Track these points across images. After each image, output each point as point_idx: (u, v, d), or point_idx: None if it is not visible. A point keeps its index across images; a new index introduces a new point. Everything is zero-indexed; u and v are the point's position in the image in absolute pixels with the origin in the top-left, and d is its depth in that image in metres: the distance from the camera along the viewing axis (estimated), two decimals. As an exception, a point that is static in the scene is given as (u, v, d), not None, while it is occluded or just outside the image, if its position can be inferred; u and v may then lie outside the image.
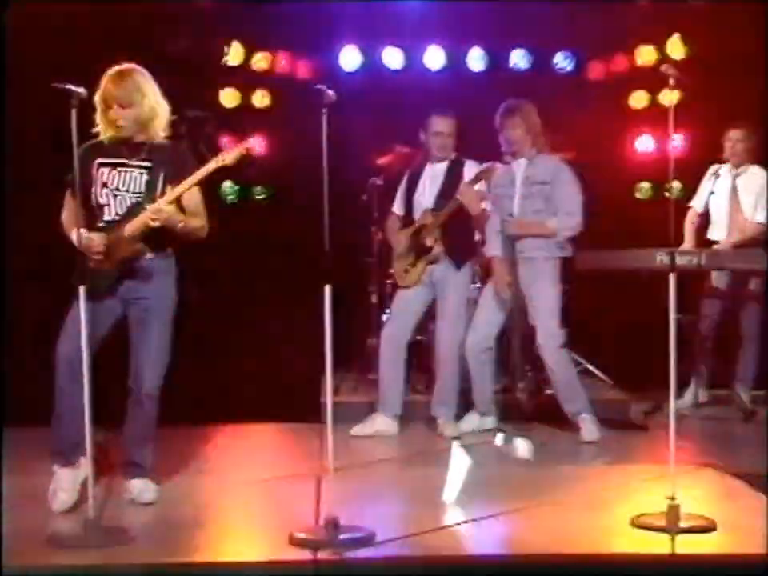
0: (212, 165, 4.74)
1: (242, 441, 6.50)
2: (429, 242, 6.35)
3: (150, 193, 4.78)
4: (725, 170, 7.09)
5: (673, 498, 4.29)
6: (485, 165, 6.36)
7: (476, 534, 4.46)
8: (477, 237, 6.70)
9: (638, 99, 8.73)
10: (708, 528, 4.27)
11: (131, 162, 4.80)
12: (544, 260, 6.23)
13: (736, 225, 6.93)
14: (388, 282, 6.76)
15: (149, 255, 4.79)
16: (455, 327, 6.40)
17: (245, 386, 7.04)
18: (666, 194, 7.64)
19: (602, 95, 8.54)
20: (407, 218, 6.59)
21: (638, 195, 8.77)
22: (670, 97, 4.64)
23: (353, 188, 7.51)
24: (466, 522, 4.55)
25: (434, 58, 8.58)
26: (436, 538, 4.28)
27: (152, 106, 4.79)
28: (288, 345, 7.25)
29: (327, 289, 4.31)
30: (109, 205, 4.80)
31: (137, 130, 4.78)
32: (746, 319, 7.00)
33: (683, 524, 4.24)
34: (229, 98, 8.59)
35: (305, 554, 4.02)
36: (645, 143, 8.79)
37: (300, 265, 6.57)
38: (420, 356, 7.03)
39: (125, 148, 4.81)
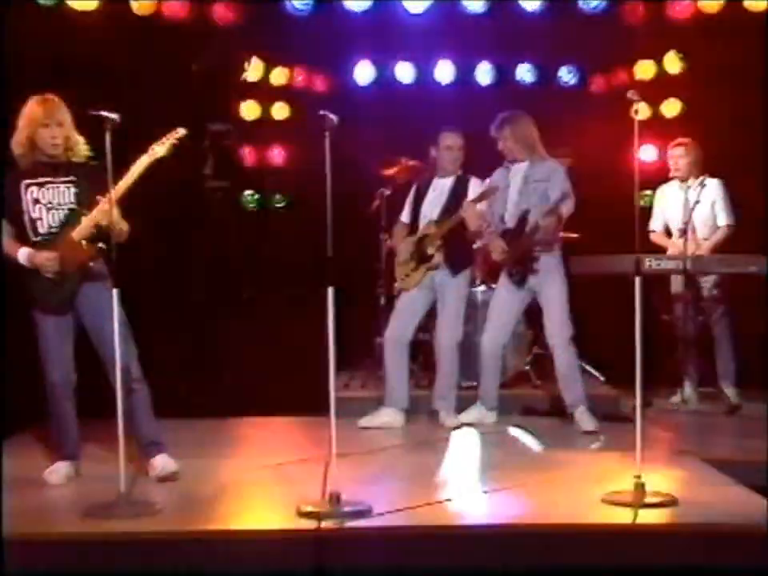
0: (145, 159, 5.28)
1: (258, 431, 7.21)
2: (430, 250, 6.98)
3: (82, 202, 5.38)
4: (674, 186, 7.65)
5: (639, 477, 4.93)
6: (487, 184, 7.00)
7: (465, 508, 5.09)
8: (476, 245, 7.35)
9: (640, 111, 9.30)
10: (670, 503, 4.89)
11: (56, 180, 5.41)
12: (549, 261, 6.89)
13: (694, 236, 7.43)
14: (395, 284, 7.39)
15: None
16: (454, 327, 7.06)
17: (263, 382, 7.70)
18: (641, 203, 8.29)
19: (604, 107, 9.10)
20: (413, 227, 7.22)
21: (641, 203, 9.33)
22: (638, 117, 5.28)
23: (364, 197, 8.16)
24: (456, 498, 5.18)
25: (444, 72, 9.25)
26: (428, 511, 4.90)
27: (73, 128, 5.44)
28: (303, 344, 7.86)
29: (330, 291, 4.94)
30: (41, 219, 5.41)
31: (65, 148, 5.40)
32: (713, 319, 7.55)
33: (648, 500, 4.86)
34: (249, 110, 9.28)
35: (310, 524, 4.65)
36: (647, 153, 9.37)
37: (310, 269, 7.15)
38: (424, 354, 7.69)
39: (47, 169, 5.42)
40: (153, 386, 5.65)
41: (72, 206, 5.40)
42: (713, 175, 7.54)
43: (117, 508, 4.88)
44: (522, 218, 6.85)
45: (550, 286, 6.89)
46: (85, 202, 5.40)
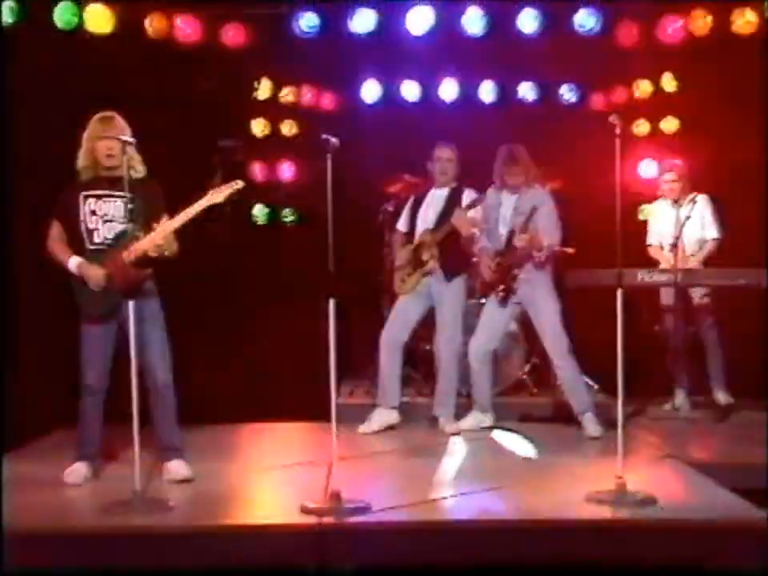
0: (203, 202, 5.72)
1: (265, 436, 7.65)
2: (425, 256, 7.44)
3: (135, 219, 5.73)
4: (665, 204, 8.08)
5: (620, 478, 5.37)
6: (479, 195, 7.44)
7: (458, 505, 5.52)
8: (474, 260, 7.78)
9: (641, 127, 9.74)
10: (648, 501, 5.32)
11: (114, 194, 5.85)
12: (539, 278, 7.33)
13: (691, 248, 7.87)
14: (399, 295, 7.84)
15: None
16: (453, 336, 7.50)
17: (270, 389, 8.14)
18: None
19: (604, 124, 9.48)
20: (410, 236, 7.67)
21: (640, 217, 9.72)
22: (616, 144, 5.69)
23: (368, 212, 8.61)
24: (450, 496, 5.62)
25: (448, 90, 9.66)
26: (423, 508, 5.34)
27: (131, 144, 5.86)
28: (309, 354, 8.27)
29: (331, 303, 5.39)
30: (98, 229, 5.86)
31: (120, 163, 5.75)
32: (702, 330, 7.96)
33: (627, 498, 5.32)
34: (259, 127, 9.73)
35: (312, 520, 5.09)
36: (647, 168, 9.78)
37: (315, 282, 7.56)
38: (426, 363, 8.12)
39: (106, 182, 5.87)
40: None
41: (125, 220, 5.75)
42: (707, 190, 7.96)
43: (132, 505, 5.30)
44: (509, 240, 7.29)
45: (541, 301, 7.32)
46: (138, 217, 5.76)
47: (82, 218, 5.84)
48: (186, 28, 8.52)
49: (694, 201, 7.74)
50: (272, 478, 6.20)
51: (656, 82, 9.41)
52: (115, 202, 5.85)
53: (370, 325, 8.22)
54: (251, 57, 8.95)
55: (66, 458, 6.13)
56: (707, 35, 8.43)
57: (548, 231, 7.19)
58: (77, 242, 5.84)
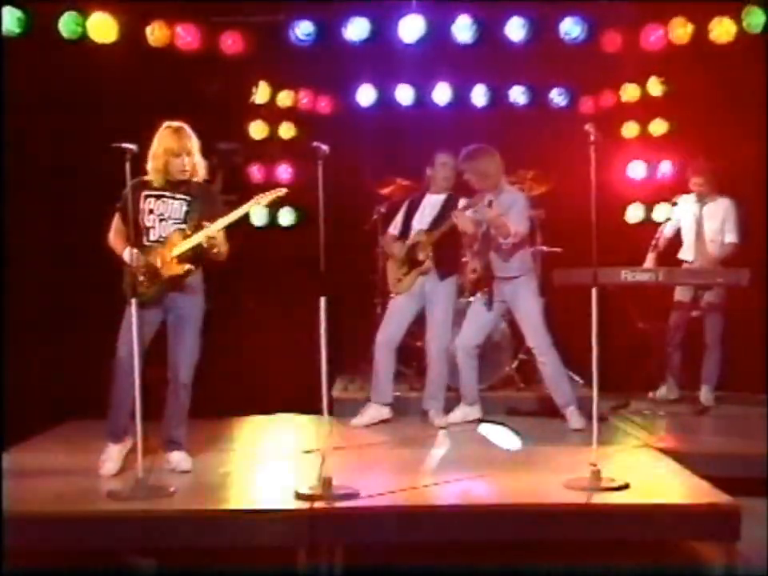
0: (250, 204, 6.12)
1: (262, 428, 8.05)
2: (421, 256, 7.79)
3: (189, 221, 6.20)
4: (690, 199, 8.45)
5: (594, 465, 5.77)
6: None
7: (443, 491, 5.88)
8: (465, 258, 8.16)
9: (629, 129, 10.12)
10: (621, 487, 5.71)
11: (174, 196, 6.25)
12: (522, 277, 7.71)
13: (701, 249, 8.30)
14: (391, 295, 8.22)
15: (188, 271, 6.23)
16: (443, 333, 7.86)
17: (269, 384, 8.53)
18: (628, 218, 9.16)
19: (594, 126, 9.83)
20: (402, 239, 7.99)
21: (627, 219, 10.09)
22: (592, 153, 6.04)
23: (362, 213, 8.98)
24: (436, 483, 5.98)
25: (442, 94, 10.05)
26: (410, 494, 5.71)
27: (199, 153, 6.29)
28: (306, 350, 8.65)
29: (322, 301, 5.77)
30: (154, 228, 6.24)
31: (189, 173, 6.21)
32: (708, 328, 8.37)
33: (602, 484, 5.71)
34: (257, 130, 10.12)
35: (305, 505, 5.47)
36: (635, 169, 10.16)
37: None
38: (418, 360, 8.51)
39: (168, 185, 6.25)
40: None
41: (180, 221, 6.19)
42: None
43: (134, 491, 5.70)
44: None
45: (523, 300, 7.70)
46: (193, 219, 6.19)
47: (140, 215, 6.18)
48: (187, 36, 8.90)
49: (716, 202, 8.30)
50: (268, 466, 6.59)
51: (643, 85, 9.77)
52: (173, 204, 6.23)
53: (363, 322, 8.58)
54: (249, 63, 9.33)
55: (76, 448, 6.49)
56: (689, 42, 8.78)
57: (515, 222, 7.49)
58: (137, 237, 6.14)
